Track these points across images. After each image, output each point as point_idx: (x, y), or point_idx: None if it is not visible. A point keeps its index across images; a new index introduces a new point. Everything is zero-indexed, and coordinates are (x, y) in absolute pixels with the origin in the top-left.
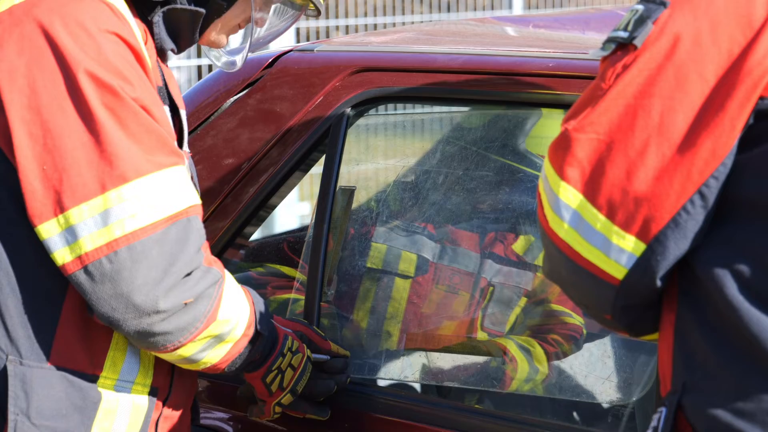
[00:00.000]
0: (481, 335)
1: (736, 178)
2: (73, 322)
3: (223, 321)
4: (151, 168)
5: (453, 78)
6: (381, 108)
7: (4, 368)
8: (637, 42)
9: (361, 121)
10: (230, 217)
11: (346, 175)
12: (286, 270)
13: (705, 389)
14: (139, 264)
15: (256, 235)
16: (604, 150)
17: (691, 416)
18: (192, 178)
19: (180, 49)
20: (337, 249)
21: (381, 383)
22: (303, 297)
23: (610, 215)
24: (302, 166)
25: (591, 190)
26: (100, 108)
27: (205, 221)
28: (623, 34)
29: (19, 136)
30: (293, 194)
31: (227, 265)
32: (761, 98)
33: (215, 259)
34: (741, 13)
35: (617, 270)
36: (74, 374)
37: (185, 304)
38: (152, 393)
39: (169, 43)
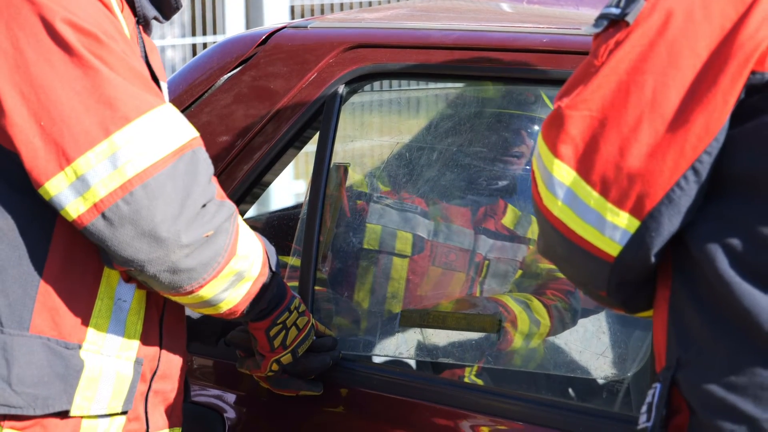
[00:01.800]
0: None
1: (729, 153)
2: (55, 289)
3: (242, 256)
4: (149, 106)
5: (447, 54)
6: (375, 84)
7: None
8: (629, 18)
9: (355, 97)
10: (224, 194)
11: (341, 152)
12: (291, 261)
13: (698, 364)
14: (157, 200)
15: (250, 213)
16: (597, 127)
17: (685, 391)
18: None
19: (165, 15)
20: (332, 226)
21: (376, 360)
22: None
23: (604, 192)
24: (296, 143)
25: (584, 167)
26: (87, 54)
27: None
28: (615, 11)
29: (11, 99)
30: (288, 172)
31: None
32: (753, 72)
33: (224, 194)
34: None
35: (612, 247)
36: (56, 342)
37: (206, 237)
38: (138, 363)
39: (151, 11)
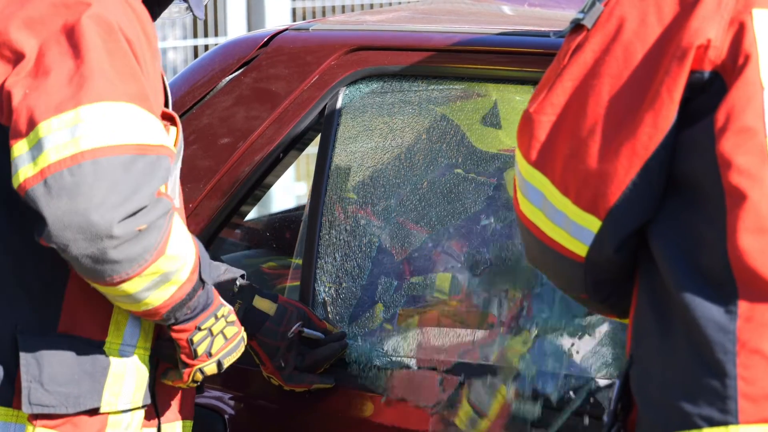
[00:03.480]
0: None
1: (678, 154)
2: (79, 289)
3: (171, 257)
4: (129, 98)
5: (448, 56)
6: (377, 86)
7: (14, 338)
8: (586, 22)
9: (356, 99)
10: (226, 196)
11: (342, 155)
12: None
13: (644, 361)
14: (101, 182)
15: (251, 215)
16: (558, 130)
17: (633, 388)
18: (178, 143)
19: (154, 16)
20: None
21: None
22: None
23: (567, 194)
24: (298, 145)
25: (550, 170)
26: (95, 36)
27: (200, 200)
28: (580, 15)
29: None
30: (289, 174)
31: (223, 244)
32: (692, 71)
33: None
34: None
35: (579, 248)
36: (82, 341)
37: (138, 230)
38: (153, 357)
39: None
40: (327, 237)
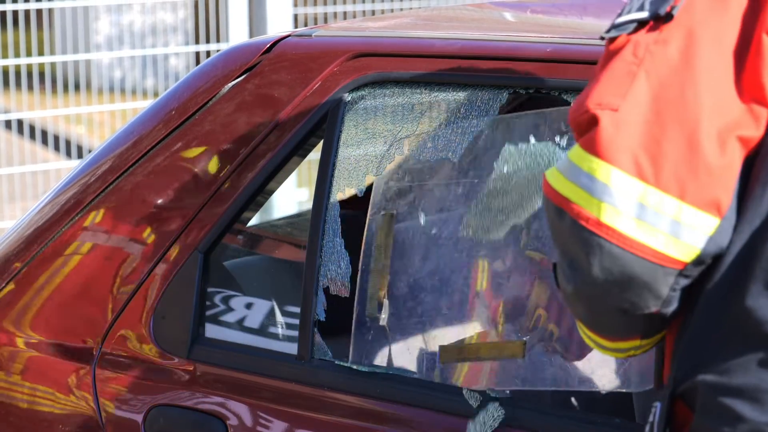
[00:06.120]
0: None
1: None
2: None
3: None
4: None
5: (451, 63)
6: (379, 92)
7: None
8: (674, 12)
9: (359, 105)
10: (228, 202)
11: (344, 161)
12: None
13: (700, 372)
14: None
15: (253, 221)
16: (655, 128)
17: (688, 400)
18: None
19: None
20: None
21: None
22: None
23: (674, 192)
24: (300, 151)
25: (646, 170)
26: None
27: (202, 206)
28: (643, 14)
29: None
30: (291, 180)
31: (225, 250)
32: None
33: None
34: None
35: (685, 251)
36: None
37: None
38: None
39: None
40: (330, 244)
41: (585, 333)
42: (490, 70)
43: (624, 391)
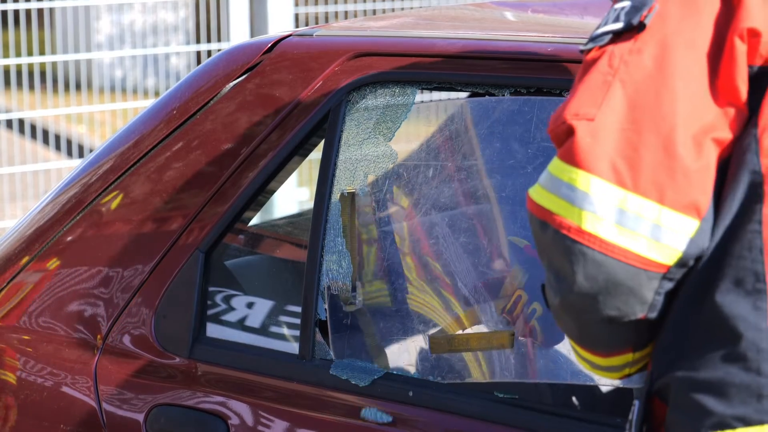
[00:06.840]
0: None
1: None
2: None
3: None
4: None
5: (452, 62)
6: (380, 92)
7: None
8: (646, 21)
9: (360, 105)
10: (229, 202)
11: (345, 160)
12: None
13: (673, 369)
14: None
15: (255, 220)
16: (630, 135)
17: (663, 397)
18: None
19: None
20: (354, 255)
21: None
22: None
23: (653, 196)
24: (301, 150)
25: (623, 176)
26: None
27: (204, 206)
28: (618, 25)
29: None
30: (292, 179)
31: (226, 250)
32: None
33: None
34: None
35: (667, 254)
36: None
37: None
38: None
39: None
40: (331, 243)
41: (578, 353)
42: (492, 70)
43: (620, 386)
